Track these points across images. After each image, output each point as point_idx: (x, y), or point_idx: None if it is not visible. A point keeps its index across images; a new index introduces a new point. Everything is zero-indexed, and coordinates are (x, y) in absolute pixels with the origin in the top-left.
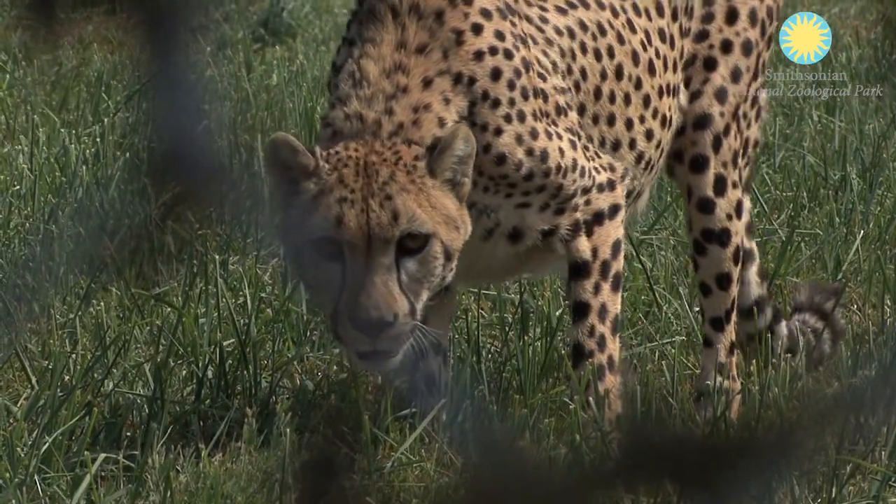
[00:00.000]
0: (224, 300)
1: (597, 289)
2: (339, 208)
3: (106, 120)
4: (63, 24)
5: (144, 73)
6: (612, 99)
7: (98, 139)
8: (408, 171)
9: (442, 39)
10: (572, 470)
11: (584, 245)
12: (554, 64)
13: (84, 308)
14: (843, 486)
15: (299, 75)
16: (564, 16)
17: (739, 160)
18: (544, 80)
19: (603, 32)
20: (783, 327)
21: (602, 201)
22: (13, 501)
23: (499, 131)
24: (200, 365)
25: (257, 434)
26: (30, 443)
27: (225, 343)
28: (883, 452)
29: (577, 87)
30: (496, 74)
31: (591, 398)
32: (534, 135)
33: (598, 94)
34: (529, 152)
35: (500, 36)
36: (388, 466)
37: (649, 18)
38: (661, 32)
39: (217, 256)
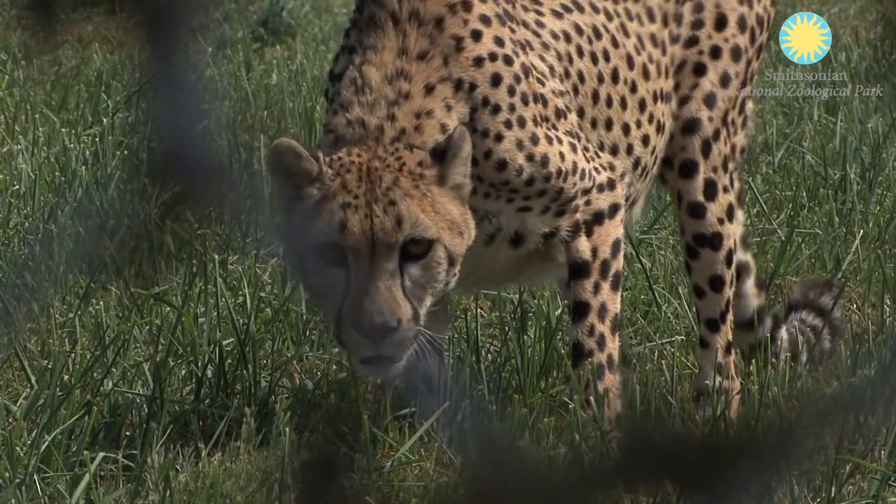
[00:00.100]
0: (223, 300)
1: (596, 288)
2: (343, 214)
3: (105, 120)
4: (63, 24)
5: (144, 73)
6: (609, 103)
7: (97, 139)
8: (412, 176)
9: (442, 46)
10: (572, 469)
11: (584, 245)
12: (551, 68)
13: (83, 307)
14: (843, 485)
15: (299, 75)
16: (560, 20)
17: (729, 164)
18: (543, 84)
19: (598, 36)
20: (783, 332)
21: (602, 201)
22: (13, 501)
23: (499, 137)
24: (200, 364)
25: (256, 433)
26: (29, 442)
27: (224, 342)
28: (882, 452)
29: (576, 90)
30: (496, 80)
31: (590, 397)
32: (534, 140)
33: (595, 97)
34: (530, 158)
35: (499, 42)
36: (387, 466)
37: (641, 23)
38: (652, 38)
39: (216, 256)
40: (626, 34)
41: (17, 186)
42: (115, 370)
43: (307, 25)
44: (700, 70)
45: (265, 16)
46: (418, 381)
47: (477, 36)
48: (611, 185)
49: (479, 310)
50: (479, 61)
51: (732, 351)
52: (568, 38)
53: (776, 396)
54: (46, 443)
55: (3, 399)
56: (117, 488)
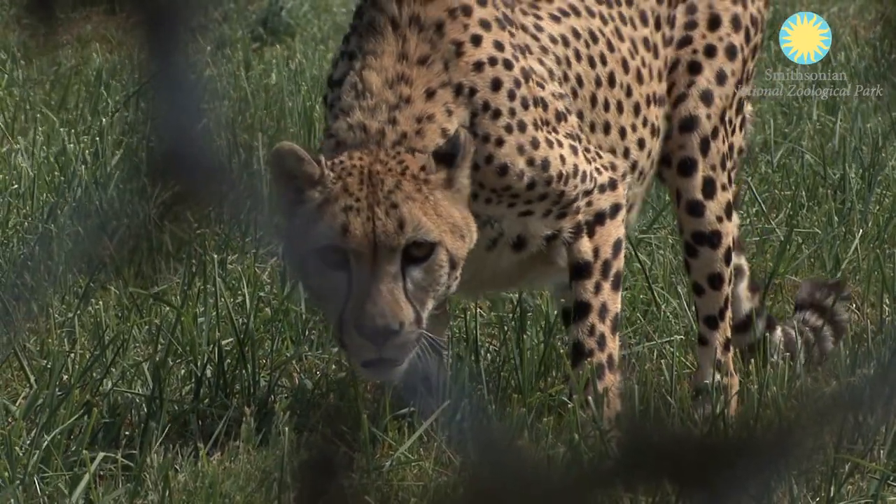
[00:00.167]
0: (223, 299)
1: (597, 288)
2: (345, 217)
3: (105, 119)
4: (62, 23)
5: (144, 72)
6: (606, 106)
7: (97, 138)
8: (414, 179)
9: (443, 51)
10: (571, 469)
11: (585, 246)
12: (550, 72)
13: (83, 307)
14: (842, 485)
15: (298, 74)
16: (558, 23)
17: (727, 163)
18: (543, 87)
19: (595, 40)
20: (778, 334)
21: (604, 201)
22: (12, 500)
23: (500, 142)
24: (199, 364)
25: (256, 433)
26: (28, 442)
27: (223, 342)
28: (881, 451)
29: (575, 94)
30: (496, 85)
31: (590, 397)
32: (535, 144)
33: (594, 101)
34: (531, 162)
35: (499, 46)
36: (386, 465)
37: (634, 27)
38: (645, 41)
39: (216, 255)
40: (621, 38)
41: (17, 186)
42: (114, 370)
43: (306, 25)
44: (695, 68)
45: (264, 15)
46: (417, 381)
47: (477, 41)
48: (612, 185)
49: (478, 309)
50: (479, 66)
51: (731, 348)
52: (566, 42)
53: (775, 396)
54: (46, 442)
55: (3, 399)
56: (117, 488)
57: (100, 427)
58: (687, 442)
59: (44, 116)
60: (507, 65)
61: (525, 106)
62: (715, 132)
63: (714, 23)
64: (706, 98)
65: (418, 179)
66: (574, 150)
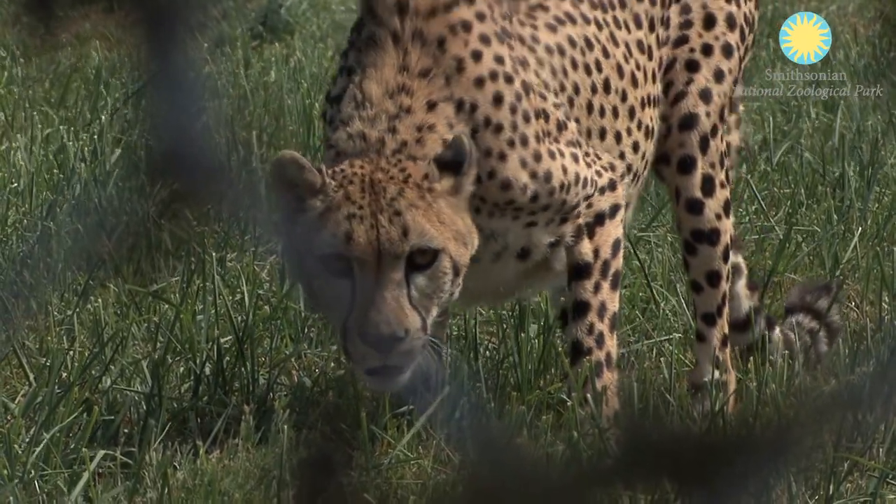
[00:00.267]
0: (222, 297)
1: (597, 288)
2: (348, 224)
3: (104, 117)
4: (61, 22)
5: (143, 71)
6: (602, 113)
7: (96, 136)
8: (417, 187)
9: (444, 66)
10: (570, 467)
11: (586, 247)
12: (546, 83)
13: (82, 305)
14: (841, 483)
15: (297, 72)
16: (555, 33)
17: (725, 161)
18: (545, 98)
19: (590, 47)
20: (777, 333)
21: (603, 202)
22: (11, 498)
23: (503, 156)
24: (198, 362)
25: (255, 431)
26: (28, 439)
27: (222, 340)
28: (880, 449)
29: (571, 102)
30: (498, 100)
31: (588, 394)
32: (537, 157)
33: (590, 108)
34: (533, 175)
35: (499, 60)
36: (385, 463)
37: (628, 31)
38: (639, 44)
39: (214, 253)
40: (616, 43)
41: (16, 184)
42: (113, 367)
43: (305, 23)
44: (693, 67)
45: (263, 13)
46: (417, 380)
47: (477, 56)
48: (612, 185)
49: (477, 307)
50: (480, 82)
51: (728, 345)
52: (562, 52)
53: (774, 394)
54: (45, 440)
55: (2, 396)
56: (116, 486)
57: (99, 425)
58: (686, 440)
59: (43, 114)
60: (508, 79)
61: (527, 119)
62: (714, 130)
63: (709, 22)
64: (705, 96)
65: (422, 187)
66: (575, 158)
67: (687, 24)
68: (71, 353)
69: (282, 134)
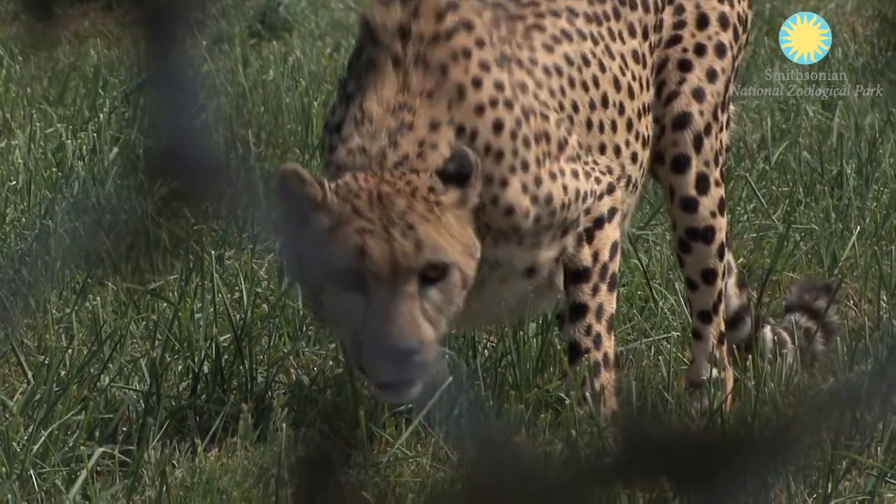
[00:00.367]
0: (220, 295)
1: (595, 290)
2: (360, 239)
3: (102, 115)
4: (59, 20)
5: (142, 69)
6: (601, 128)
7: (95, 134)
8: (425, 200)
9: (447, 91)
10: (568, 465)
11: (585, 253)
12: (546, 103)
13: (80, 303)
14: (839, 481)
15: (296, 70)
16: (551, 53)
17: (720, 158)
18: (546, 118)
19: (587, 63)
20: (767, 332)
21: (602, 206)
22: (9, 496)
23: (504, 183)
24: (196, 360)
25: (253, 429)
26: (26, 437)
27: (221, 338)
28: (879, 448)
29: (571, 120)
30: (498, 127)
31: (587, 393)
32: (538, 181)
33: (589, 125)
34: (535, 199)
35: (499, 87)
36: (384, 461)
37: (623, 41)
38: (634, 54)
39: (213, 252)
40: (612, 56)
41: (14, 182)
42: (111, 366)
43: (304, 21)
44: (686, 66)
45: (262, 11)
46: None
47: (477, 83)
48: (610, 189)
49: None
50: (480, 109)
51: (725, 342)
52: (560, 72)
53: (772, 392)
54: (43, 438)
55: (0, 394)
56: (114, 483)
57: (97, 423)
58: (684, 438)
59: (41, 112)
60: (509, 105)
61: (527, 144)
62: (707, 129)
63: (702, 22)
64: (698, 95)
65: (429, 200)
66: (575, 174)
67: (680, 25)
68: (69, 351)
69: (280, 132)
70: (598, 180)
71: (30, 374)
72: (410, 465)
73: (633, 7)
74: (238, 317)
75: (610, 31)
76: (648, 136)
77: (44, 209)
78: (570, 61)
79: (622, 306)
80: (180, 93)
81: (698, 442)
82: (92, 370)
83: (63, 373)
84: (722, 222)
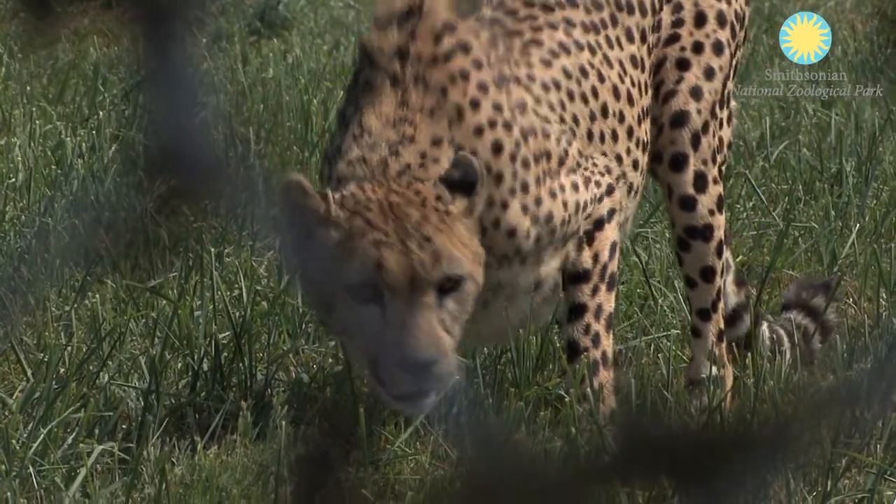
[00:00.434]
0: (219, 293)
1: (594, 291)
2: (377, 251)
3: (102, 113)
4: (59, 18)
5: (141, 67)
6: (602, 139)
7: (94, 132)
8: (436, 210)
9: (447, 111)
10: (568, 463)
11: (586, 255)
12: (546, 118)
13: (79, 300)
14: (839, 479)
15: (295, 68)
16: (549, 67)
17: (718, 157)
18: (546, 135)
19: (585, 75)
20: (765, 329)
21: (602, 208)
22: (9, 494)
23: (505, 205)
24: (196, 357)
25: (253, 427)
26: (25, 435)
27: (220, 335)
28: (878, 446)
29: (573, 132)
30: (497, 149)
31: (587, 390)
32: (538, 202)
33: (590, 136)
34: (535, 219)
35: (498, 108)
36: (383, 459)
37: (621, 48)
38: (632, 59)
39: (212, 249)
40: (610, 65)
41: (14, 179)
42: (111, 363)
43: (303, 19)
44: (684, 65)
45: (261, 9)
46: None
47: (476, 105)
48: (609, 190)
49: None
50: (479, 131)
51: (724, 340)
52: (558, 86)
53: (772, 390)
54: (42, 435)
55: (0, 392)
56: (113, 481)
57: (96, 420)
58: (684, 436)
59: (40, 110)
60: (507, 126)
61: (526, 165)
62: (705, 127)
63: (700, 20)
64: (695, 94)
65: (439, 210)
66: (575, 187)
67: (678, 23)
68: (69, 348)
69: (280, 130)
70: (597, 184)
71: (29, 372)
72: (410, 463)
73: (631, 11)
74: (237, 314)
75: (608, 38)
76: (647, 141)
77: (43, 207)
78: (568, 75)
79: (621, 304)
80: (180, 90)
81: (697, 440)
82: (91, 368)
83: (62, 370)
84: (720, 220)
